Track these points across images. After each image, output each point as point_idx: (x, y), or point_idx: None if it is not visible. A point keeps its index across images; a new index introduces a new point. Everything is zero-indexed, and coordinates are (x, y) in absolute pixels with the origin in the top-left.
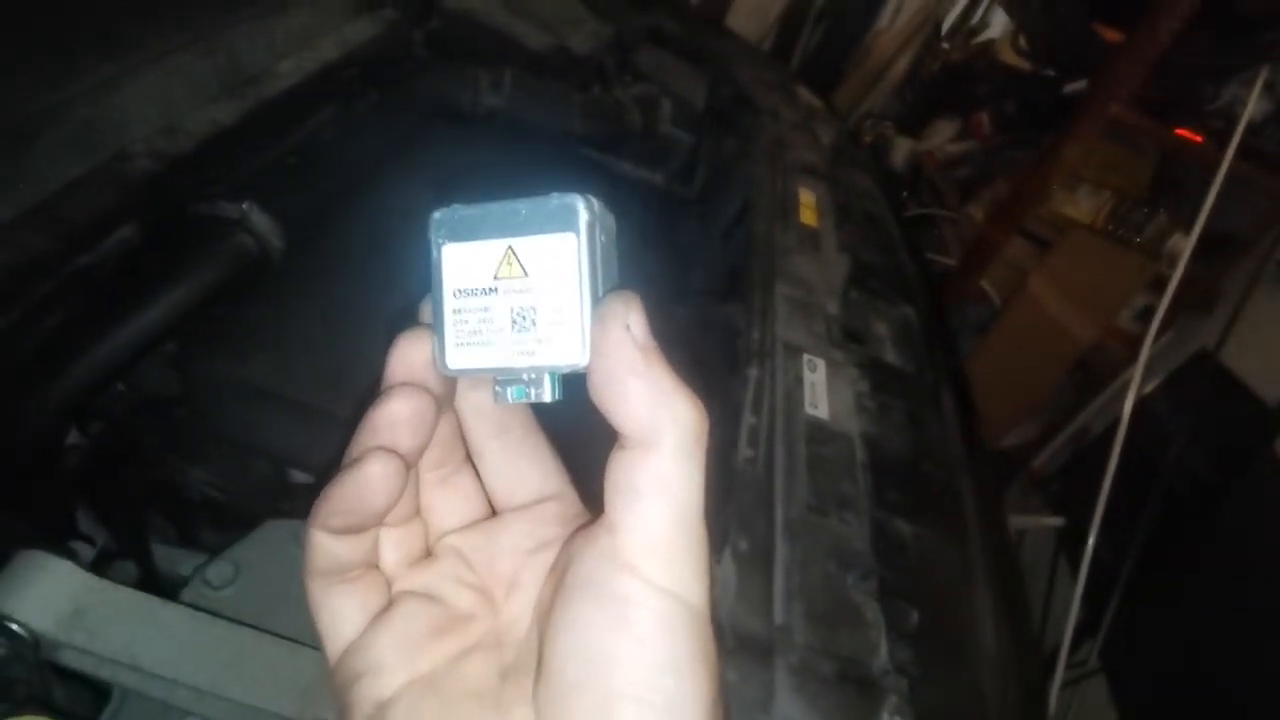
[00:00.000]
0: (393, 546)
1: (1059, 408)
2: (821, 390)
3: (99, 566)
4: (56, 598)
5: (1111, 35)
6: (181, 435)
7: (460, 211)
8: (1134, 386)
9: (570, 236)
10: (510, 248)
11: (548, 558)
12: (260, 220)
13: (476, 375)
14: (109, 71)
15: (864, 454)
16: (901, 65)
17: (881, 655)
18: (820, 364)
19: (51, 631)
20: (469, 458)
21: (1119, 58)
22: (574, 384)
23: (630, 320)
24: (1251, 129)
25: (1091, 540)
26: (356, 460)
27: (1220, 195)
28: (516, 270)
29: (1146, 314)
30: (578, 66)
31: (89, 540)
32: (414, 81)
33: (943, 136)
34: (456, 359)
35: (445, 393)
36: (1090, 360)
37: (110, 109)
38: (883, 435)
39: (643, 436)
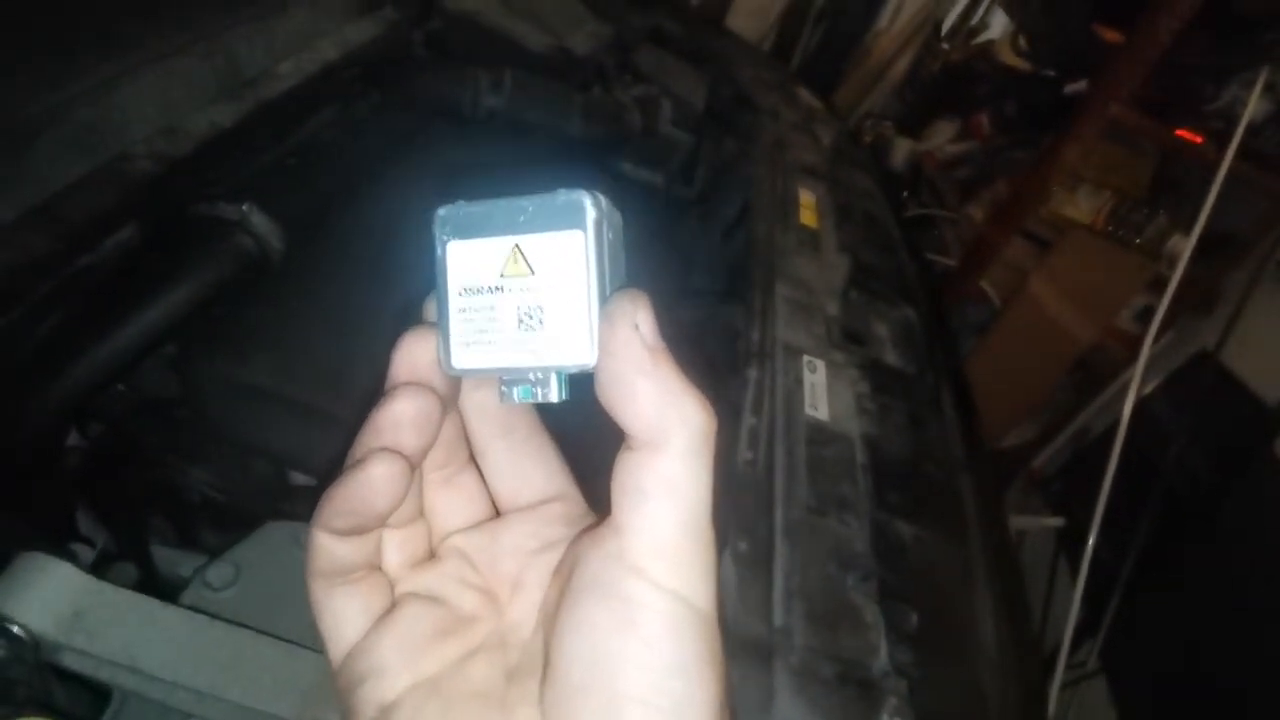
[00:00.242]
0: (396, 548)
1: (1059, 408)
2: (821, 391)
3: (99, 568)
4: (56, 600)
5: (1111, 35)
6: (181, 436)
7: (465, 208)
8: (1134, 387)
9: (578, 234)
10: (517, 245)
11: (552, 559)
12: (260, 221)
13: (482, 375)
14: (109, 72)
15: (864, 455)
16: (901, 65)
17: (881, 657)
18: (820, 365)
19: (51, 633)
20: (473, 458)
21: (1119, 58)
22: (577, 384)
23: (639, 319)
24: (1251, 129)
25: (1091, 540)
26: (360, 461)
27: (1220, 195)
28: (523, 268)
29: (1146, 314)
30: (578, 67)
31: (89, 542)
32: (414, 82)
33: (943, 137)
34: (462, 359)
35: (450, 393)
36: (1090, 360)
37: (110, 110)
38: (883, 437)
39: (650, 437)
